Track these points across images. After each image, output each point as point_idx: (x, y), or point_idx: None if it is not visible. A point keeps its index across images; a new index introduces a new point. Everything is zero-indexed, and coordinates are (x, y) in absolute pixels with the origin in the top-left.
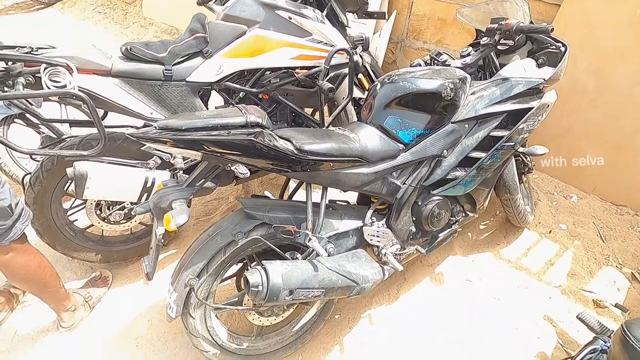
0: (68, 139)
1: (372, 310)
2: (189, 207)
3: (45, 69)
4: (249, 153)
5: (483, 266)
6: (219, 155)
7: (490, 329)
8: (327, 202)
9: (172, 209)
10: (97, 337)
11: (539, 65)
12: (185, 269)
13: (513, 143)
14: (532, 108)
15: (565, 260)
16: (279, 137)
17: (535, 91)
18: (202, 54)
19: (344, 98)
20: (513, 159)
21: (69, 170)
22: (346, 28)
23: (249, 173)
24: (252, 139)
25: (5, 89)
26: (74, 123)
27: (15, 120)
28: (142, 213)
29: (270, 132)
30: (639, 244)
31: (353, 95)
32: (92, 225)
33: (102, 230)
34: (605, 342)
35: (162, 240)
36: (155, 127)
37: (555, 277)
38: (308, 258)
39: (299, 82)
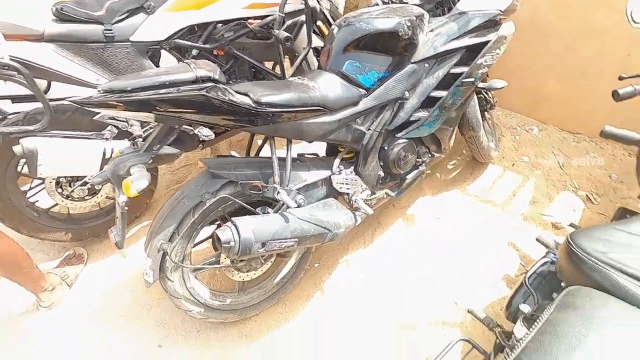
0: (11, 116)
1: (349, 255)
2: (149, 172)
3: None
4: (204, 110)
5: (451, 204)
6: (172, 115)
7: (458, 261)
8: (294, 155)
9: (131, 175)
10: (80, 312)
11: None
12: (156, 234)
13: (473, 79)
14: (490, 41)
15: (527, 190)
16: (236, 92)
17: (492, 24)
18: (144, 10)
19: (303, 48)
20: (475, 96)
21: (17, 149)
22: None
23: (213, 135)
24: (204, 94)
25: None
26: (15, 99)
27: None
28: (99, 183)
29: (225, 86)
30: (593, 168)
31: (313, 45)
32: (56, 204)
33: (68, 208)
34: (555, 255)
35: (126, 208)
36: (99, 91)
37: (518, 207)
38: (280, 211)
39: (254, 33)
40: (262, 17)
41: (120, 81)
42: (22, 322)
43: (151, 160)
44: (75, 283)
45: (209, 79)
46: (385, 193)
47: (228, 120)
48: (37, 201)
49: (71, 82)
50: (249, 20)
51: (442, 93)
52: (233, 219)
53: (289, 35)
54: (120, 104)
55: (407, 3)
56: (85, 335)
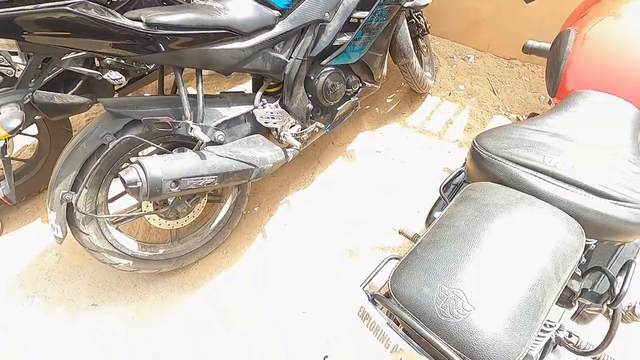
0: None
1: (290, 196)
2: (22, 111)
3: None
4: (76, 32)
5: (391, 136)
6: (38, 40)
7: (397, 191)
8: (217, 93)
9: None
10: (5, 282)
11: None
12: (56, 185)
13: None
14: None
15: (462, 118)
16: (129, 18)
17: None
18: None
19: None
20: (405, 21)
21: None
22: None
23: (123, 78)
24: (69, 9)
25: None
26: None
27: None
28: None
29: (105, 7)
30: (524, 90)
31: None
32: None
33: None
34: None
35: (6, 155)
36: None
37: (454, 134)
38: (197, 150)
39: None
40: None
41: None
42: None
43: (28, 99)
44: None
45: None
46: (316, 127)
47: (113, 47)
48: None
49: None
50: None
51: (365, 14)
52: (138, 158)
53: None
54: None
55: None
56: (14, 304)
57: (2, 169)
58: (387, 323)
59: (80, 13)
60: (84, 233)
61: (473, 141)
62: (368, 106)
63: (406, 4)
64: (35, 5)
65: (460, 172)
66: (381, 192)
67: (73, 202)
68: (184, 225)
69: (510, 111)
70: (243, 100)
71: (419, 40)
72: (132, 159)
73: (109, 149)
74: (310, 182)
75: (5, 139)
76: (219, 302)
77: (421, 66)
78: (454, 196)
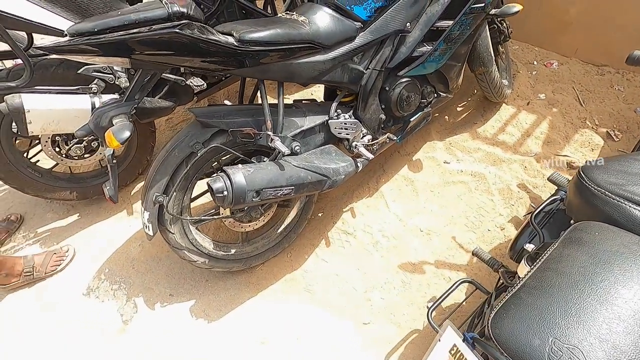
0: None
1: (354, 203)
2: (131, 122)
3: None
4: (181, 51)
5: (460, 147)
6: (147, 59)
7: (465, 204)
8: (289, 102)
9: (110, 130)
10: (93, 268)
11: None
12: (150, 187)
13: (483, 4)
14: None
15: (541, 130)
16: (219, 32)
17: None
18: None
19: None
20: (487, 27)
21: (2, 106)
22: None
23: (205, 85)
24: (178, 31)
25: None
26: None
27: None
28: (83, 136)
29: (203, 25)
30: (617, 102)
31: None
32: (57, 164)
33: (70, 167)
34: (566, 192)
35: (114, 161)
36: (66, 35)
37: (532, 147)
38: (275, 160)
39: None
40: None
41: (87, 22)
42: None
43: (134, 110)
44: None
45: (183, 16)
46: (388, 137)
47: (210, 62)
48: (38, 161)
49: (47, 32)
50: None
51: (448, 23)
52: (225, 168)
53: None
54: (90, 48)
55: None
56: (102, 286)
57: (109, 172)
58: None
59: (187, 35)
60: (171, 232)
61: (579, 172)
62: (437, 114)
63: (492, 12)
64: (148, 28)
65: (553, 201)
66: (448, 206)
67: (164, 204)
68: (255, 228)
69: (599, 124)
70: (318, 110)
71: (499, 46)
72: (216, 168)
73: (197, 157)
74: (375, 190)
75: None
76: (281, 302)
77: (499, 74)
78: (544, 225)
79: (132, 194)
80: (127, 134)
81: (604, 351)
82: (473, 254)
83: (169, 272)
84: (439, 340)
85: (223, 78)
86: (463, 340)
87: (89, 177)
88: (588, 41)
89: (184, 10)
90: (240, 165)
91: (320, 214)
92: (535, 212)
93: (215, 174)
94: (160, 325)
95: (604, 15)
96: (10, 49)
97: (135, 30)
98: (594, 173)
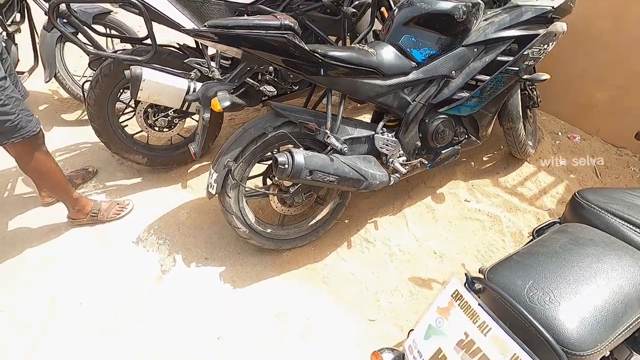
0: (120, 51)
1: (378, 218)
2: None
3: None
4: (281, 53)
5: (481, 190)
6: (256, 53)
7: (479, 239)
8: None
9: (216, 97)
10: (144, 223)
11: None
12: (224, 153)
13: (517, 68)
14: (539, 35)
15: (558, 190)
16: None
17: (544, 19)
18: None
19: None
20: (519, 90)
21: (127, 72)
22: None
23: (275, 91)
24: (286, 36)
25: None
26: (124, 39)
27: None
28: (192, 100)
29: (299, 38)
30: (632, 180)
31: (374, 28)
32: (140, 131)
33: (147, 136)
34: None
35: (208, 125)
36: (206, 25)
37: (547, 203)
38: (327, 154)
39: (325, 8)
40: None
41: (223, 20)
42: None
43: (232, 90)
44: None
45: (290, 28)
46: (420, 162)
47: (298, 66)
48: (126, 126)
49: (172, 26)
50: None
51: (486, 78)
52: (290, 148)
53: (355, 11)
54: (220, 37)
55: None
56: (150, 239)
57: (198, 133)
58: (479, 304)
59: (292, 41)
60: (228, 196)
61: (575, 194)
62: (465, 159)
63: (524, 76)
64: (266, 31)
65: (554, 223)
66: (463, 237)
67: (232, 169)
68: (292, 214)
69: None
70: (367, 126)
71: (528, 110)
72: (282, 149)
73: (267, 137)
74: (398, 211)
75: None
76: (298, 287)
77: (525, 134)
78: None
79: (188, 172)
80: (227, 103)
81: (566, 292)
82: (479, 271)
83: (208, 239)
84: (444, 288)
85: (288, 92)
86: (464, 284)
87: (159, 149)
88: (609, 124)
89: (292, 24)
90: (301, 149)
91: (346, 220)
92: (537, 228)
93: (281, 152)
94: (192, 281)
95: (626, 104)
96: (147, 33)
97: (255, 31)
98: (586, 194)
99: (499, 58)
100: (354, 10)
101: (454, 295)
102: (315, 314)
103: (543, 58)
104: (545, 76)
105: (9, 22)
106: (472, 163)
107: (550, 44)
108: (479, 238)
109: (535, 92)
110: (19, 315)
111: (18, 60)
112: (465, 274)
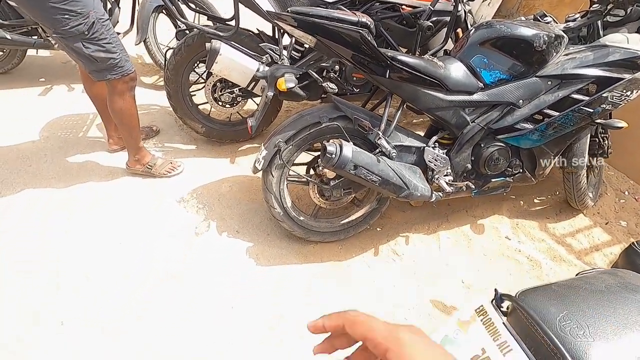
0: (206, 27)
1: (410, 234)
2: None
3: None
4: (353, 47)
5: (526, 231)
6: (328, 44)
7: (515, 279)
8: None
9: (283, 77)
10: (188, 187)
11: None
12: (277, 133)
13: (592, 110)
14: (623, 79)
15: (612, 251)
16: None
17: (632, 64)
18: None
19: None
20: (588, 135)
21: (207, 45)
22: None
23: (336, 90)
24: (360, 31)
25: None
26: (211, 17)
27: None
28: (261, 77)
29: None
30: None
31: (446, 47)
32: (205, 102)
33: (210, 109)
34: None
35: (269, 103)
36: (289, 11)
37: (597, 261)
38: (375, 154)
39: (402, 19)
40: (413, 7)
41: (305, 8)
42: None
43: (299, 74)
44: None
45: (366, 25)
46: (467, 185)
47: (366, 64)
48: (194, 95)
49: (257, 11)
50: (403, 7)
51: (555, 113)
52: (340, 140)
53: (431, 25)
54: (299, 22)
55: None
56: (191, 201)
57: (258, 110)
58: (503, 322)
59: (367, 38)
60: (272, 175)
61: (633, 242)
62: (514, 196)
63: (598, 120)
64: (342, 25)
65: (600, 270)
66: (496, 274)
67: (282, 149)
68: (327, 208)
69: None
70: (419, 138)
71: (595, 159)
72: (332, 140)
73: (320, 127)
74: (433, 232)
75: (278, 92)
76: (318, 281)
77: (587, 183)
78: None
79: (238, 150)
80: (292, 84)
81: (604, 332)
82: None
83: (243, 214)
84: (469, 300)
85: (348, 94)
86: (492, 300)
87: (218, 123)
88: None
89: (368, 22)
90: (350, 143)
91: (378, 229)
92: (581, 272)
93: (330, 142)
94: (221, 248)
95: None
96: (233, 14)
97: (333, 23)
98: None
99: (573, 96)
100: (430, 24)
101: (478, 310)
102: (327, 310)
103: (623, 105)
104: (622, 124)
105: None
106: (522, 202)
107: (635, 91)
108: (514, 279)
109: (606, 142)
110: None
111: (118, 21)
112: (495, 289)
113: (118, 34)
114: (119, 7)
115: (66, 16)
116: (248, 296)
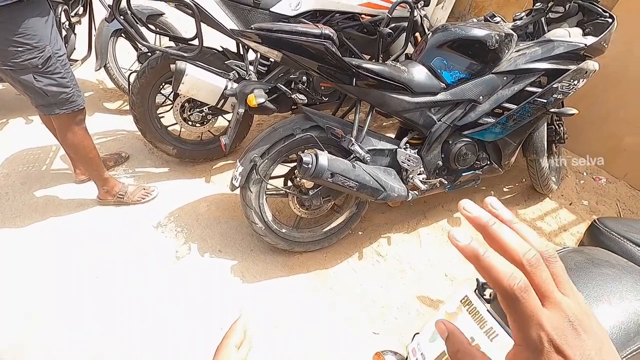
0: (169, 48)
1: (392, 234)
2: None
3: None
4: (318, 59)
5: None
6: (294, 58)
7: None
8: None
9: (253, 93)
10: (165, 211)
11: (585, 35)
12: (252, 149)
13: (545, 100)
14: (569, 70)
15: (578, 229)
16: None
17: (576, 56)
18: None
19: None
20: (545, 123)
21: (172, 66)
22: None
23: (306, 100)
24: (325, 43)
25: None
26: (172, 38)
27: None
28: (230, 95)
29: (336, 46)
30: None
31: (406, 51)
32: (174, 124)
33: (180, 130)
34: None
35: (241, 119)
36: (252, 28)
37: (566, 241)
38: (350, 160)
39: (362, 27)
40: (372, 16)
41: (269, 24)
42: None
43: (268, 90)
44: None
45: (329, 38)
46: (440, 182)
47: (333, 74)
48: (162, 117)
49: (219, 29)
50: (362, 16)
51: (513, 106)
52: (315, 150)
53: (390, 31)
54: (263, 39)
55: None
56: (169, 225)
57: (231, 127)
58: (487, 309)
59: (331, 50)
60: (250, 190)
61: (595, 220)
62: (485, 187)
63: (552, 109)
64: (307, 38)
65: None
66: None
67: (257, 164)
68: (308, 217)
69: None
70: (391, 140)
71: (553, 145)
72: (307, 151)
73: (294, 138)
74: (413, 230)
75: (248, 108)
76: (303, 291)
77: (549, 168)
78: None
79: (212, 168)
80: (262, 99)
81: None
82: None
83: (224, 233)
84: (454, 293)
85: (317, 103)
86: (475, 290)
87: (189, 143)
88: (638, 169)
89: (331, 34)
90: (325, 152)
91: (360, 232)
92: None
93: (306, 152)
94: (204, 270)
95: None
96: (196, 33)
97: (296, 37)
98: (606, 221)
99: (527, 89)
100: (390, 31)
101: (463, 301)
102: (318, 320)
103: (572, 94)
104: (573, 111)
105: (72, 14)
106: (492, 192)
107: (581, 80)
108: None
109: (562, 128)
110: (36, 285)
111: (75, 49)
112: (477, 279)
113: (76, 61)
114: (75, 34)
115: (20, 49)
116: (236, 315)
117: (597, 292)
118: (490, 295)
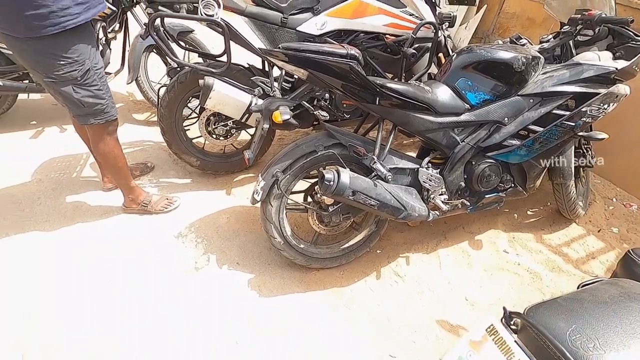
0: (198, 64)
1: (411, 254)
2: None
3: (202, 0)
4: (343, 79)
5: (523, 243)
6: (319, 77)
7: (517, 293)
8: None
9: (278, 110)
10: (186, 222)
11: (615, 58)
12: (275, 164)
13: (573, 124)
14: (599, 94)
15: (607, 258)
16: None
17: (605, 79)
18: (312, 10)
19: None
20: (572, 148)
21: (201, 81)
22: (437, 8)
23: (328, 117)
24: (350, 63)
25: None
26: (201, 54)
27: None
28: (256, 111)
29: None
30: None
31: (430, 71)
32: (199, 136)
33: (204, 142)
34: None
35: (265, 134)
36: (280, 47)
37: (594, 269)
38: (372, 178)
39: (386, 47)
40: (396, 36)
41: (296, 44)
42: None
43: (292, 107)
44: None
45: (355, 58)
46: (462, 203)
47: (357, 93)
48: (188, 130)
49: (247, 47)
50: (386, 36)
51: (539, 129)
52: (337, 167)
53: (414, 52)
54: (290, 58)
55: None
56: (189, 236)
57: (255, 142)
58: (515, 340)
59: (356, 69)
60: (271, 205)
61: (629, 250)
62: (507, 210)
63: (580, 133)
64: (333, 57)
65: (602, 280)
66: (498, 289)
67: (279, 179)
68: (327, 234)
69: None
70: (412, 159)
71: (581, 170)
72: (328, 168)
73: (316, 155)
74: (432, 250)
75: (272, 124)
76: (319, 309)
77: (576, 193)
78: None
79: (233, 180)
80: (287, 116)
81: (616, 347)
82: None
83: (242, 246)
84: (478, 319)
85: (340, 119)
86: (501, 319)
87: (212, 156)
88: None
89: (357, 55)
90: (347, 169)
91: (379, 251)
92: (583, 283)
93: (328, 169)
94: (222, 282)
95: None
96: (224, 50)
97: (323, 56)
98: None
99: (555, 112)
100: (414, 51)
101: (488, 330)
102: (334, 338)
103: (601, 118)
104: (603, 135)
105: (109, 30)
106: (516, 215)
107: (611, 104)
108: (516, 292)
109: (590, 153)
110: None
111: (109, 62)
112: (504, 308)
113: (109, 74)
114: (110, 49)
115: (62, 62)
116: (252, 329)
117: (633, 329)
118: (517, 325)
